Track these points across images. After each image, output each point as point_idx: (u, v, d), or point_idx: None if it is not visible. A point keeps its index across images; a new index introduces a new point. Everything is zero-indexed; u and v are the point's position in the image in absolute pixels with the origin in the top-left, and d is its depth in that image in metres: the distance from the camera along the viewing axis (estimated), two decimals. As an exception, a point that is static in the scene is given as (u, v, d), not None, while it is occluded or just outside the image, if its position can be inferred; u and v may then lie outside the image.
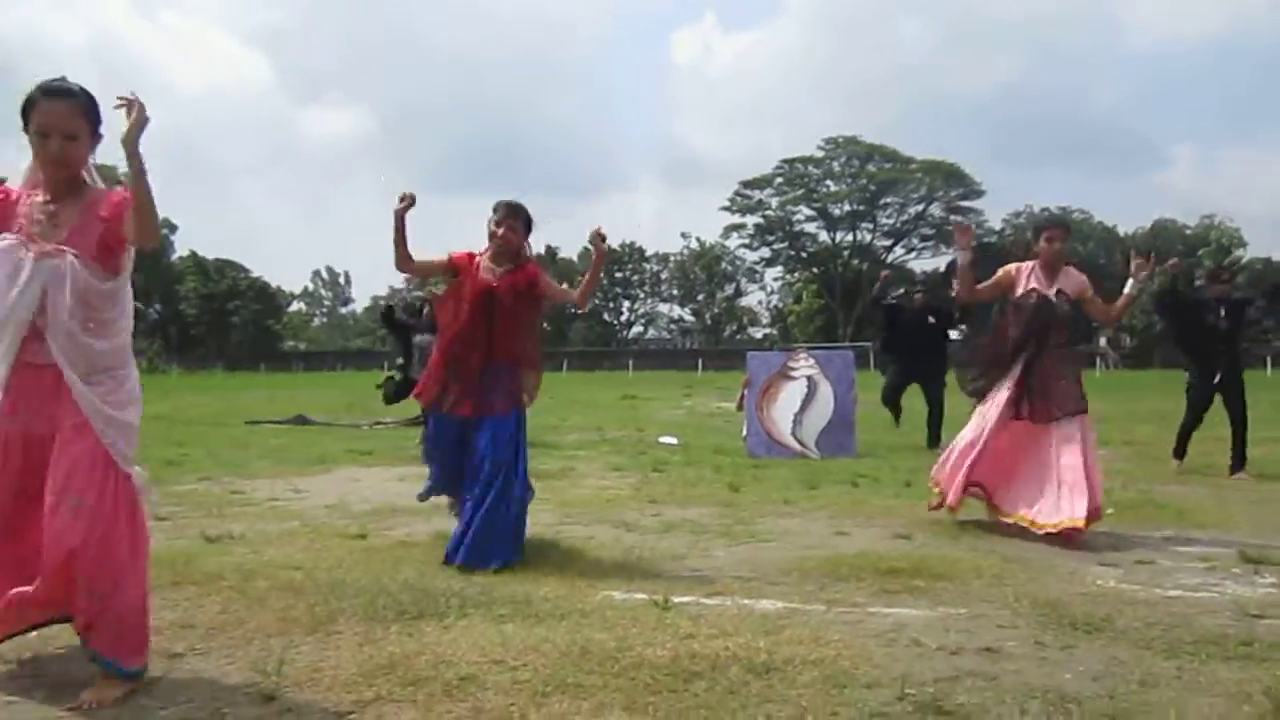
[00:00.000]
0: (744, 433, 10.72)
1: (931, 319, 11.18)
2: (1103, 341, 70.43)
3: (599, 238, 5.10)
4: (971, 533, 5.82)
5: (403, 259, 4.97)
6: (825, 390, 10.40)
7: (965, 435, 6.02)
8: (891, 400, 11.53)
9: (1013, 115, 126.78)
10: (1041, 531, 5.54)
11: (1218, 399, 8.91)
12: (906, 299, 12.20)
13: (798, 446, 10.21)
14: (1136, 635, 3.69)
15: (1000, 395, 5.93)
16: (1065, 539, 5.42)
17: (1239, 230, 77.44)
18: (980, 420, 5.99)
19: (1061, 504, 5.56)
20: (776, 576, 4.68)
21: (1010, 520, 5.82)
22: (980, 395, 6.09)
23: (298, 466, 9.42)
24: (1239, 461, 8.62)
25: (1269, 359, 46.31)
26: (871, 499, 7.22)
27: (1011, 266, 6.13)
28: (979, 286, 6.12)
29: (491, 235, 5.12)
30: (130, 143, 2.89)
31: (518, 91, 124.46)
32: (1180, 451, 9.12)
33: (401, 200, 4.86)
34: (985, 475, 5.97)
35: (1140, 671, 3.28)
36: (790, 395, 10.41)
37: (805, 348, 12.51)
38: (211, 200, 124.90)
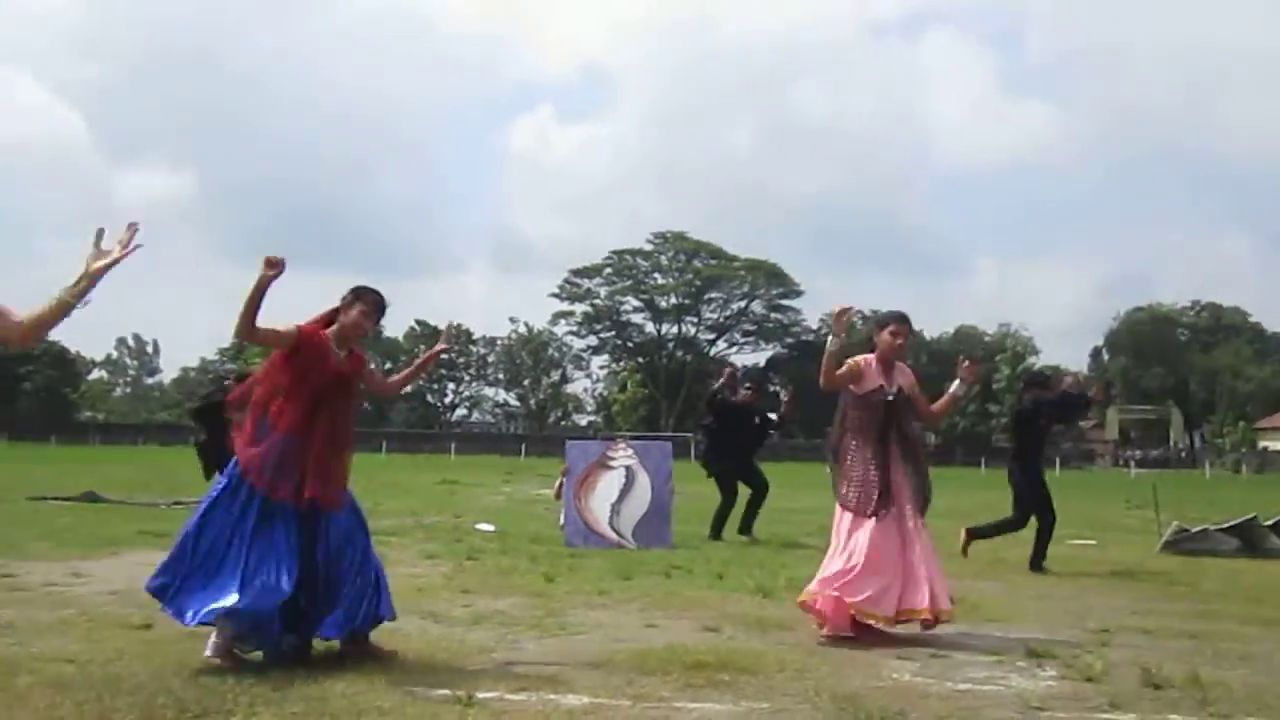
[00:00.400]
0: (561, 521, 10.66)
1: (758, 417, 11.54)
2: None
3: (451, 336, 5.03)
4: (778, 626, 5.91)
5: (249, 326, 4.64)
6: (643, 480, 10.48)
7: (837, 560, 5.72)
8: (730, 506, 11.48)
9: (832, 220, 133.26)
10: (920, 619, 5.56)
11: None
12: (731, 393, 12.48)
13: (614, 536, 10.21)
14: (928, 729, 3.82)
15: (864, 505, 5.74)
16: (932, 622, 5.57)
17: (1032, 339, 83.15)
18: (847, 539, 5.75)
19: (936, 590, 5.60)
20: (585, 670, 4.63)
21: (896, 620, 5.65)
22: (851, 506, 5.80)
23: (82, 548, 8.78)
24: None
25: (1057, 459, 49.55)
26: (684, 590, 7.27)
27: (860, 359, 5.93)
28: (837, 373, 5.87)
29: (349, 321, 4.90)
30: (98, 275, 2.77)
31: (350, 163, 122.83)
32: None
33: (271, 266, 4.55)
34: (867, 593, 5.62)
35: (929, 765, 3.38)
36: (608, 485, 10.44)
37: (625, 437, 12.63)
38: (10, 256, 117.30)
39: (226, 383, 11.13)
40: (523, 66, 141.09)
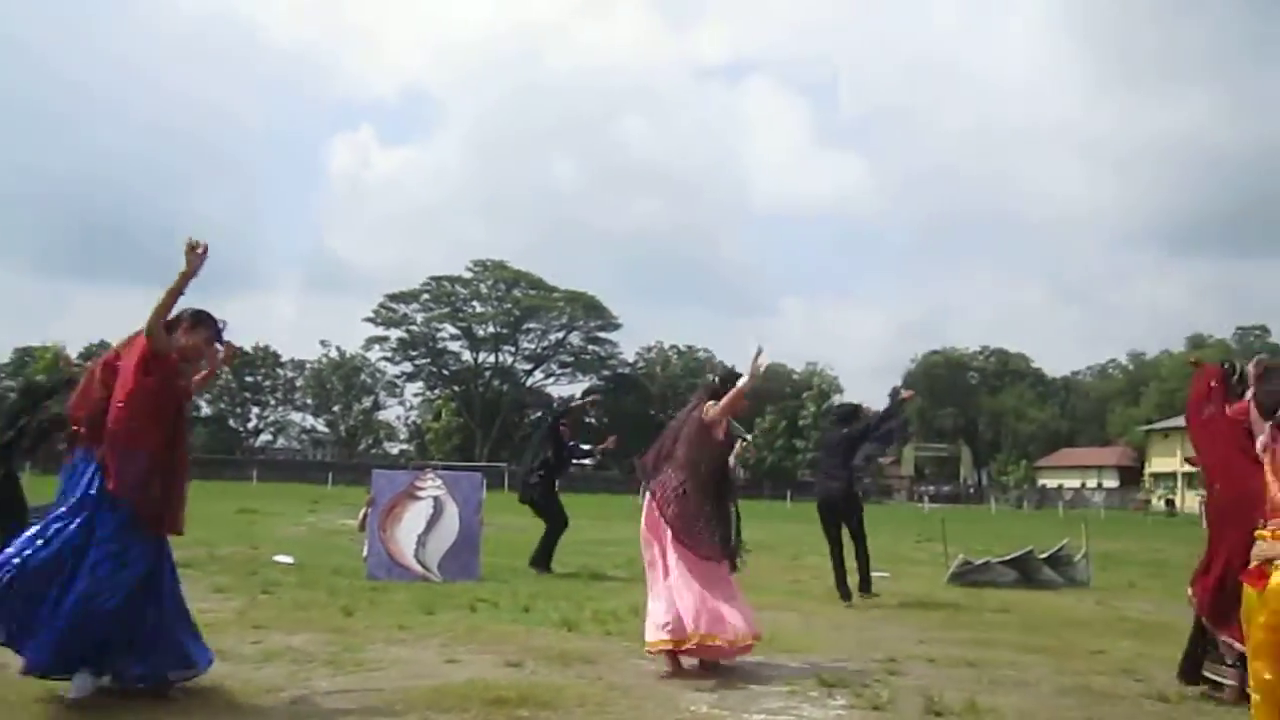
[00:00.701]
0: (364, 553, 10.32)
1: (566, 453, 11.57)
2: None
3: (230, 357, 4.96)
4: (581, 659, 5.89)
5: (162, 323, 4.54)
6: (451, 511, 10.28)
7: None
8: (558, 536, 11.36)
9: (650, 255, 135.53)
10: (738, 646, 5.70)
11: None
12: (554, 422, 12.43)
13: (419, 569, 9.96)
14: (721, 761, 3.86)
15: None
16: (741, 651, 5.75)
17: (837, 378, 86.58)
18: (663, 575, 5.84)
19: (743, 619, 5.75)
20: (378, 708, 4.48)
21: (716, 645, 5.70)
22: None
23: None
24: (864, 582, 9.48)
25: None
26: (489, 624, 7.15)
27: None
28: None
29: (190, 344, 4.77)
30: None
31: (156, 172, 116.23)
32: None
33: (195, 250, 4.46)
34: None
35: (721, 797, 3.42)
36: (415, 515, 10.18)
37: (436, 466, 12.38)
38: None
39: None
40: (345, 84, 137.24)
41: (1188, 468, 57.74)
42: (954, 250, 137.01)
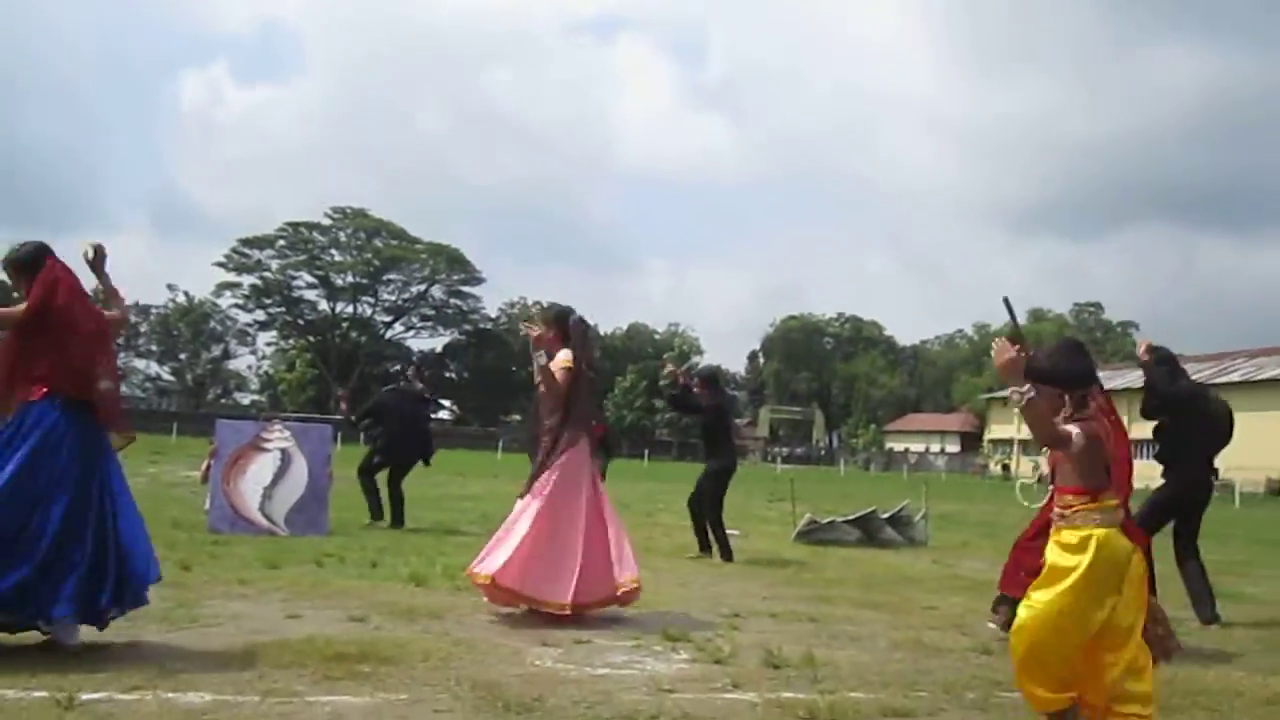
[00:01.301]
0: (206, 506, 9.97)
1: (423, 403, 11.35)
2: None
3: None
4: (428, 614, 5.83)
5: None
6: (299, 464, 10.01)
7: (524, 540, 5.87)
8: (375, 481, 11.18)
9: (516, 210, 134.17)
10: (622, 591, 5.98)
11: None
12: (408, 382, 12.19)
13: (265, 523, 9.69)
14: (563, 714, 3.89)
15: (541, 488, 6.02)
16: (629, 597, 6.03)
17: (698, 339, 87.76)
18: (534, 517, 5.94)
19: (625, 565, 6.04)
20: (211, 666, 4.33)
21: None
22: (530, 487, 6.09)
23: None
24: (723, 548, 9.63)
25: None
26: (334, 579, 7.00)
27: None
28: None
29: None
30: None
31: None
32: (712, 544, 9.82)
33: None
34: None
35: (559, 750, 3.44)
36: (261, 468, 9.87)
37: (284, 418, 12.01)
38: None
39: None
40: (196, 16, 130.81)
41: (1024, 434, 60.92)
42: (814, 217, 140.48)
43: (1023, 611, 3.58)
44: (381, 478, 11.10)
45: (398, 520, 10.70)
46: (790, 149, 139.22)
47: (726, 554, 9.49)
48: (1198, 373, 52.15)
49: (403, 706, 3.88)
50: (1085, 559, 3.49)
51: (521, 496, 6.16)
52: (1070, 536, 3.56)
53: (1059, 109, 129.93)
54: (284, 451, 10.04)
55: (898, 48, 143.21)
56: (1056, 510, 3.65)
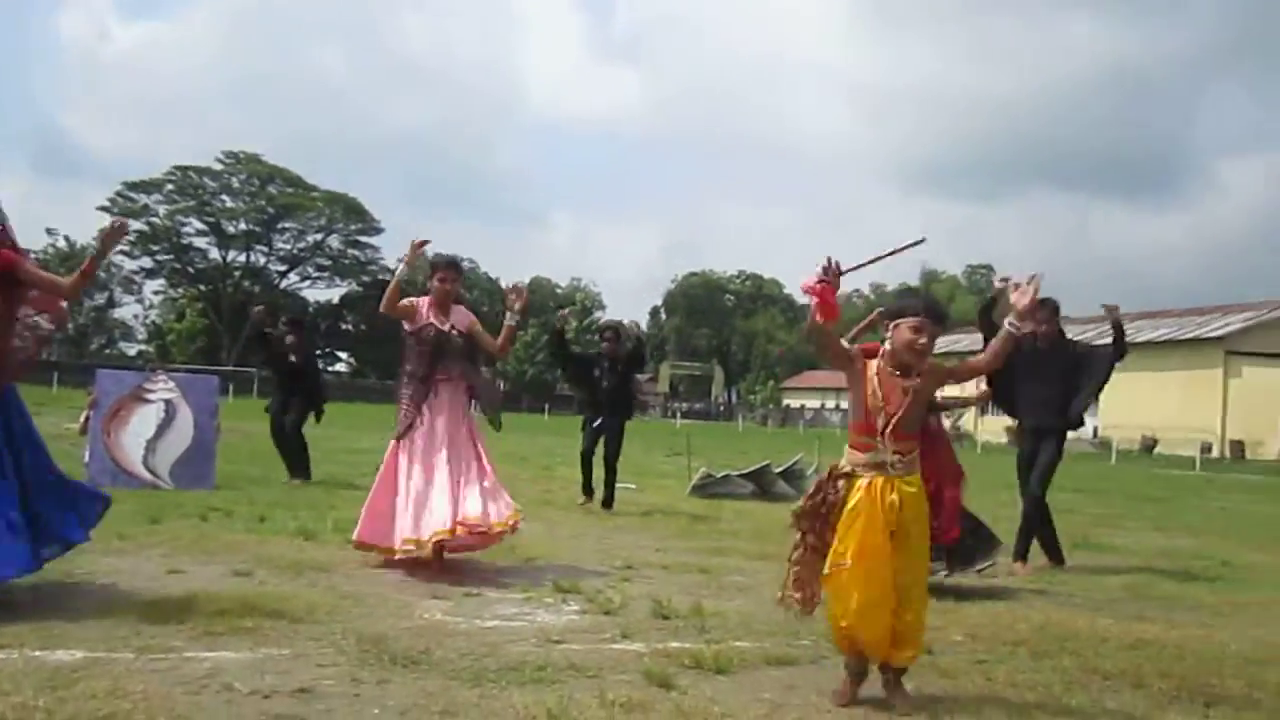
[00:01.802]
0: (85, 458, 9.62)
1: (293, 357, 10.95)
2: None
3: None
4: (315, 568, 5.74)
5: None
6: (185, 416, 9.72)
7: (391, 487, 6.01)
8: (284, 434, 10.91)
9: (418, 159, 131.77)
10: (478, 532, 5.90)
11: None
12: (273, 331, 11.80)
13: (148, 476, 9.40)
14: (449, 666, 3.87)
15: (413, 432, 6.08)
16: (488, 539, 6.07)
17: (600, 294, 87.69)
18: (400, 466, 6.04)
19: (493, 507, 5.98)
20: (85, 622, 4.19)
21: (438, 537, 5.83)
22: (403, 434, 6.10)
23: None
24: (610, 498, 9.82)
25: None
26: (220, 534, 6.84)
27: (414, 299, 6.35)
28: (399, 304, 6.19)
29: None
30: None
31: None
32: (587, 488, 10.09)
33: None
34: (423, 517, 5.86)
35: (444, 702, 3.43)
36: (143, 420, 9.55)
37: (166, 369, 11.63)
38: None
39: None
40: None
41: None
42: (717, 173, 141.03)
43: (859, 560, 3.65)
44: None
45: (302, 471, 10.54)
46: (695, 104, 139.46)
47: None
48: (1081, 334, 54.27)
49: (285, 661, 3.81)
50: (924, 506, 3.80)
51: None
52: (913, 484, 3.73)
53: (958, 71, 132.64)
54: (168, 403, 9.73)
55: (802, 6, 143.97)
56: (892, 457, 3.71)
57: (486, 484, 6.04)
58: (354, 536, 6.13)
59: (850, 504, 3.70)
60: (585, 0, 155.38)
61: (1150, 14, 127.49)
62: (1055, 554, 7.50)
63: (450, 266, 6.40)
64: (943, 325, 3.84)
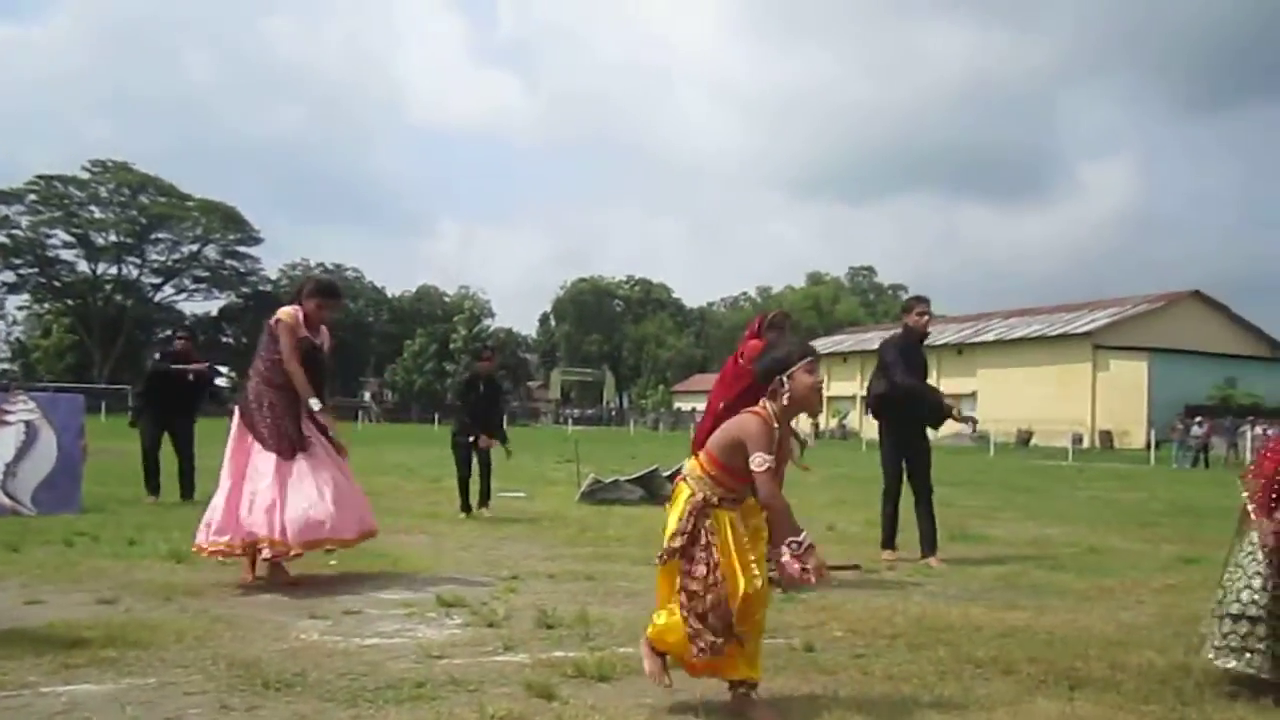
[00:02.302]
0: (-62, 485, 9.09)
1: (191, 376, 10.61)
2: (367, 396, 73.95)
3: None
4: (187, 593, 5.54)
5: None
6: (47, 437, 9.27)
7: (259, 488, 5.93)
8: (152, 459, 10.57)
9: (296, 166, 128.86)
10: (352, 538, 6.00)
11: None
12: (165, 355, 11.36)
13: (8, 502, 8.93)
14: (325, 688, 3.77)
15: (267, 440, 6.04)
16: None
17: (490, 302, 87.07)
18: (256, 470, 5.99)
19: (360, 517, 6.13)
20: (-70, 660, 3.95)
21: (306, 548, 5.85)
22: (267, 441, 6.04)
23: None
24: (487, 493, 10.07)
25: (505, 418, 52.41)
26: (84, 560, 6.54)
27: (290, 311, 6.22)
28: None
29: None
30: None
31: None
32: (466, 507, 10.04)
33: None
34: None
35: (317, 725, 3.34)
36: (2, 443, 9.08)
37: (26, 388, 11.10)
38: None
39: None
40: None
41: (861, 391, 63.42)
42: (604, 180, 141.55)
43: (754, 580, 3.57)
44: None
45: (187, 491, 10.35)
46: (580, 111, 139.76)
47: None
48: (958, 333, 56.28)
49: (149, 691, 3.66)
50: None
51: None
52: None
53: (835, 78, 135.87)
54: (29, 424, 9.27)
55: (683, 14, 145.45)
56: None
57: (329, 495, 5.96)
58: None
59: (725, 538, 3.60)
60: (465, 4, 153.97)
61: (1008, 27, 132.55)
62: (890, 542, 7.81)
63: (329, 295, 6.45)
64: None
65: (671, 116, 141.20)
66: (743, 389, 5.58)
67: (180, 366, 10.62)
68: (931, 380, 8.27)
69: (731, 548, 3.58)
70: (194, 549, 6.01)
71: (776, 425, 3.63)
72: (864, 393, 8.04)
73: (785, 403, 3.64)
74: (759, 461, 3.49)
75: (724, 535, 3.59)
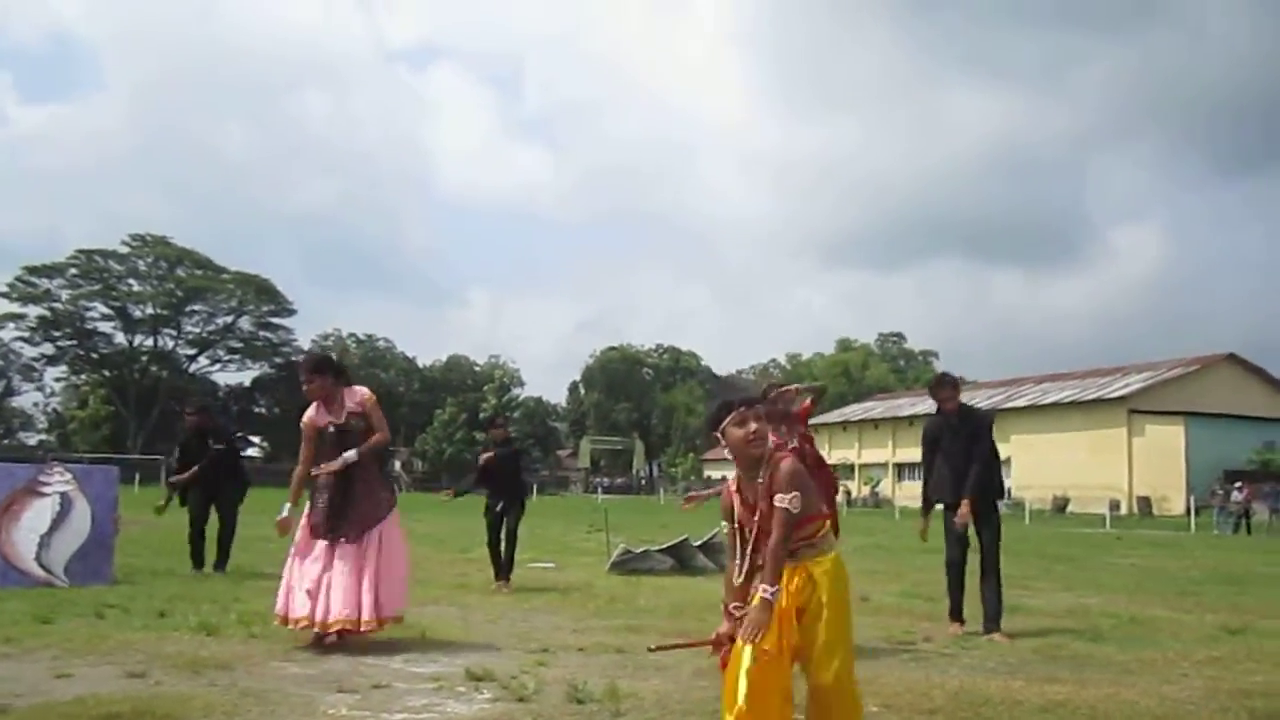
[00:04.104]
0: (-26, 557, 9.16)
1: (212, 441, 10.74)
2: (397, 465, 74.14)
3: None
4: (216, 666, 5.51)
5: None
6: (81, 509, 9.33)
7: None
8: (198, 533, 10.65)
9: (329, 239, 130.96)
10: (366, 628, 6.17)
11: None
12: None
13: (42, 574, 8.98)
14: (352, 765, 3.73)
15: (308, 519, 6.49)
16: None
17: (519, 371, 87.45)
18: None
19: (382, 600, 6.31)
20: (-40, 735, 3.96)
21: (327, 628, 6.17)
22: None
23: None
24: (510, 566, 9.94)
25: (534, 486, 52.36)
26: (114, 633, 6.54)
27: (307, 415, 6.66)
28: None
29: None
30: None
31: None
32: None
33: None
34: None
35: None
36: (38, 514, 9.14)
37: (63, 460, 11.21)
38: None
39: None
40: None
41: (835, 459, 63.15)
42: (633, 249, 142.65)
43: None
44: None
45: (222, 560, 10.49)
46: (608, 181, 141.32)
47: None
48: (990, 398, 55.79)
49: (177, 767, 3.63)
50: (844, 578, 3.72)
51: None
52: (824, 562, 3.61)
53: (861, 146, 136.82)
54: (64, 496, 9.35)
55: (710, 88, 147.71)
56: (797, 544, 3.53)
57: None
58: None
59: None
60: (494, 82, 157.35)
61: (1034, 94, 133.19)
62: (958, 615, 7.56)
63: (304, 369, 6.79)
64: (759, 402, 3.69)
65: (699, 186, 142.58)
66: None
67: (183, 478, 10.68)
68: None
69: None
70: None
71: (735, 493, 3.59)
72: (895, 460, 7.94)
73: (730, 456, 3.60)
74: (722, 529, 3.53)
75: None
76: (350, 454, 6.36)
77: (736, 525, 3.56)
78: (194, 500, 10.64)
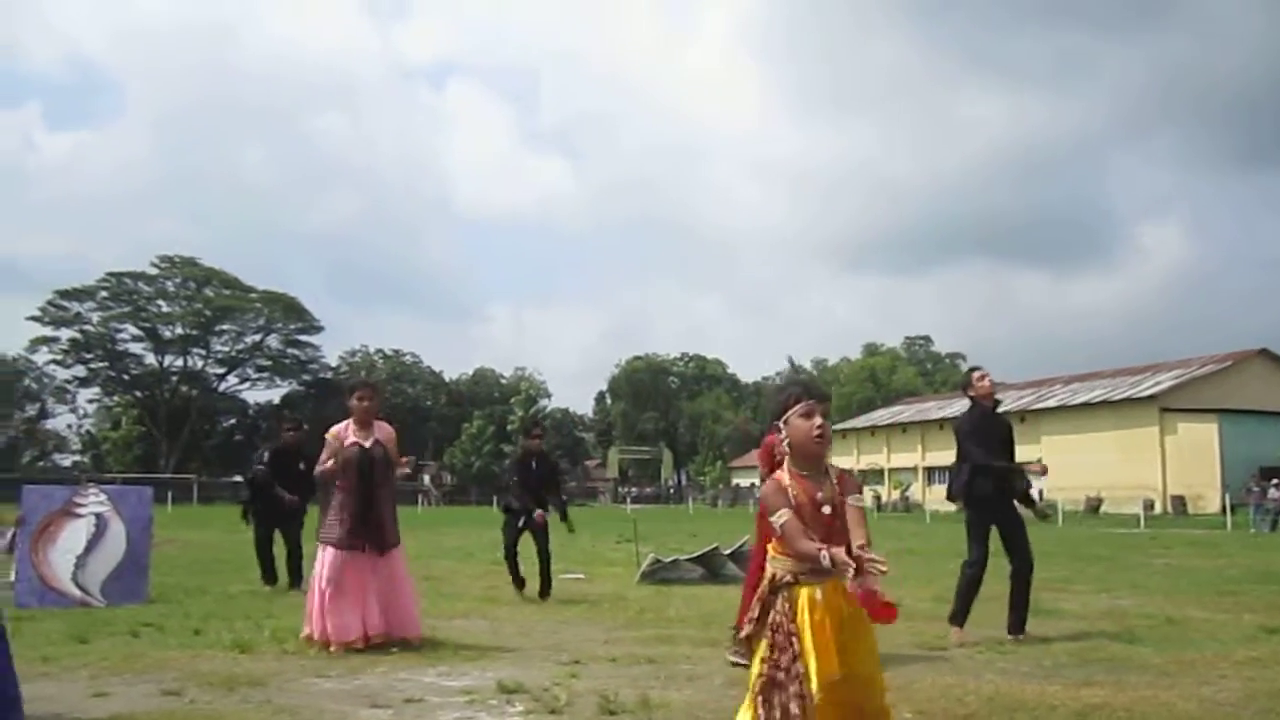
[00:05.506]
0: (12, 579, 9.28)
1: (303, 465, 10.80)
2: (426, 480, 74.46)
3: None
4: (249, 683, 5.55)
5: None
6: (117, 529, 9.43)
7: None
8: (265, 551, 10.76)
9: (353, 256, 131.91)
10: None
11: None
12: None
13: (78, 594, 9.08)
14: (387, 779, 3.74)
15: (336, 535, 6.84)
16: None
17: (545, 382, 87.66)
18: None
19: (406, 618, 6.82)
20: (1, 755, 4.00)
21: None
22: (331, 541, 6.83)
23: None
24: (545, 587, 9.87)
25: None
26: (150, 651, 6.60)
27: (335, 427, 7.06)
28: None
29: None
30: None
31: None
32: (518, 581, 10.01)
33: None
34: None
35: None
36: (74, 535, 9.24)
37: (104, 480, 11.33)
38: None
39: None
40: (4, 54, 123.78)
41: (864, 465, 62.93)
42: (652, 258, 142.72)
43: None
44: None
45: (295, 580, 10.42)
46: (626, 192, 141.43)
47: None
48: (1019, 399, 55.33)
49: (213, 784, 3.66)
50: None
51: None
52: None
53: (879, 150, 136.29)
54: (99, 517, 9.44)
55: (724, 96, 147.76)
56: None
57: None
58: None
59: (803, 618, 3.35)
60: (510, 97, 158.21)
61: (1049, 93, 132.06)
62: (960, 618, 7.39)
63: (367, 387, 7.23)
64: (828, 400, 3.64)
65: (716, 195, 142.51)
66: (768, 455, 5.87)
67: (284, 494, 10.66)
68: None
69: (807, 628, 3.33)
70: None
71: (790, 480, 3.46)
72: (925, 464, 7.86)
73: (788, 450, 3.49)
74: (776, 518, 3.40)
75: (801, 615, 3.35)
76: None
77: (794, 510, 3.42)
78: (264, 517, 10.76)
